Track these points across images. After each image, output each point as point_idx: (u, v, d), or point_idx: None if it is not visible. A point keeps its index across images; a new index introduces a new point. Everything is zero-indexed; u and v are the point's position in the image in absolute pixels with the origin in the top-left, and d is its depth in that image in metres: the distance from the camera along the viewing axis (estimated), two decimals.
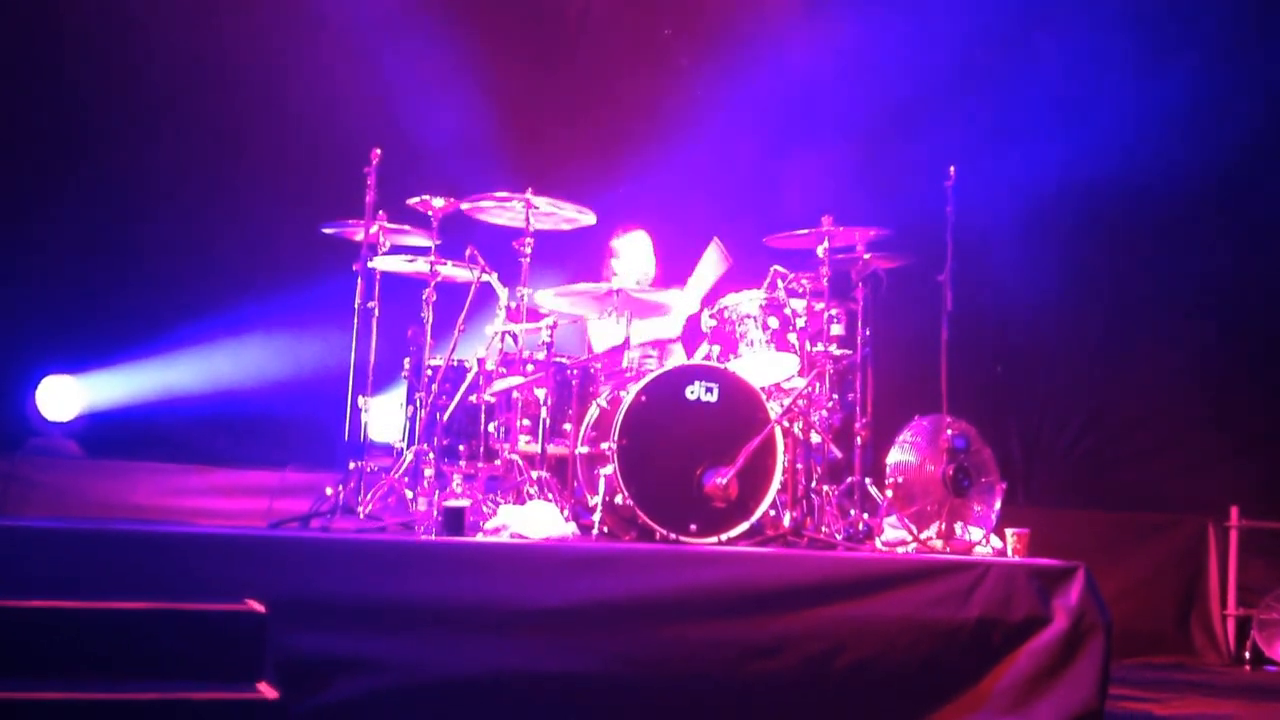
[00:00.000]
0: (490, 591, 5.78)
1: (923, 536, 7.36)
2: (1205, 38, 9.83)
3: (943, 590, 6.37)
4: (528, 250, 7.43)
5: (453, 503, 6.69)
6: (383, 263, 7.45)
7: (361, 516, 6.90)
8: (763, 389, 7.31)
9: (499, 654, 5.71)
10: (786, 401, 7.36)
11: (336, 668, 5.47)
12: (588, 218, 7.68)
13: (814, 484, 7.43)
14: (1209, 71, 9.75)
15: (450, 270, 7.53)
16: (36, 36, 8.84)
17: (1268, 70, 9.84)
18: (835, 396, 7.56)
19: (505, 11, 9.63)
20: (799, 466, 7.45)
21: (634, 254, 8.45)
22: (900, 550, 7.24)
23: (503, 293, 7.53)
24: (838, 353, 7.55)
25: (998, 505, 7.55)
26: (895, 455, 7.61)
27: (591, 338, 8.32)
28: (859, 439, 7.51)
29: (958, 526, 7.45)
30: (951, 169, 7.62)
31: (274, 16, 9.01)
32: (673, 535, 6.85)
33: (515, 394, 7.33)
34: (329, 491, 7.09)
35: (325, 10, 9.11)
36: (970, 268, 7.71)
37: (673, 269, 8.57)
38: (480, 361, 7.45)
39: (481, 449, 7.37)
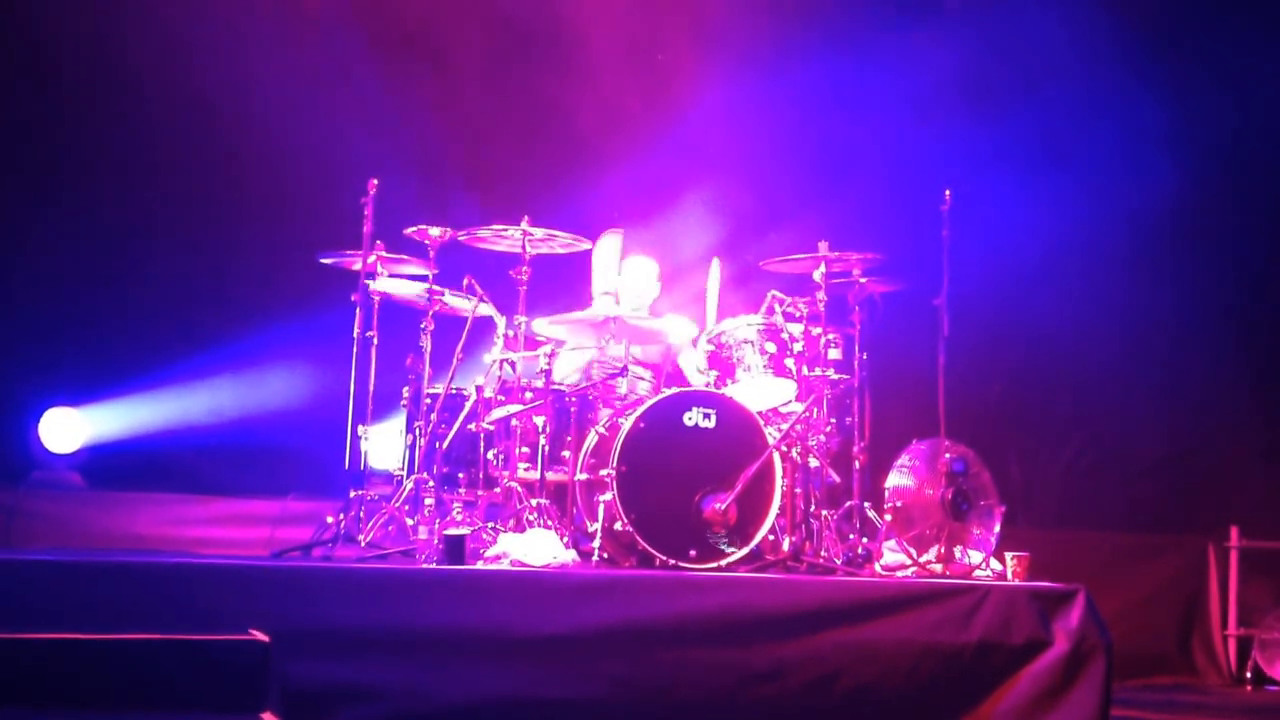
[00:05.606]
0: (491, 619, 5.82)
1: (922, 560, 7.36)
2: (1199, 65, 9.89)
3: (943, 614, 6.38)
4: (525, 278, 7.45)
5: (453, 531, 6.71)
6: (381, 284, 7.48)
7: (363, 545, 6.93)
8: (760, 414, 7.32)
9: (501, 681, 5.75)
10: (784, 426, 7.36)
11: (340, 696, 5.52)
12: (585, 244, 7.71)
13: (813, 509, 7.42)
14: (1199, 100, 9.80)
15: (448, 299, 7.56)
16: (35, 72, 8.89)
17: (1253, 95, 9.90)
18: (833, 421, 7.57)
19: (499, 45, 9.67)
20: (797, 491, 7.44)
21: (633, 277, 8.36)
22: (900, 574, 7.25)
23: (500, 321, 7.56)
24: (835, 377, 7.55)
25: (997, 528, 7.53)
26: (894, 479, 7.59)
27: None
28: (857, 463, 7.52)
29: (957, 550, 7.44)
30: (947, 193, 7.63)
31: (274, 51, 9.04)
32: (672, 561, 6.86)
33: (514, 422, 7.34)
34: (330, 520, 7.12)
35: (322, 46, 9.17)
36: (967, 291, 7.72)
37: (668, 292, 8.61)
38: (479, 389, 7.48)
39: (481, 477, 7.38)
